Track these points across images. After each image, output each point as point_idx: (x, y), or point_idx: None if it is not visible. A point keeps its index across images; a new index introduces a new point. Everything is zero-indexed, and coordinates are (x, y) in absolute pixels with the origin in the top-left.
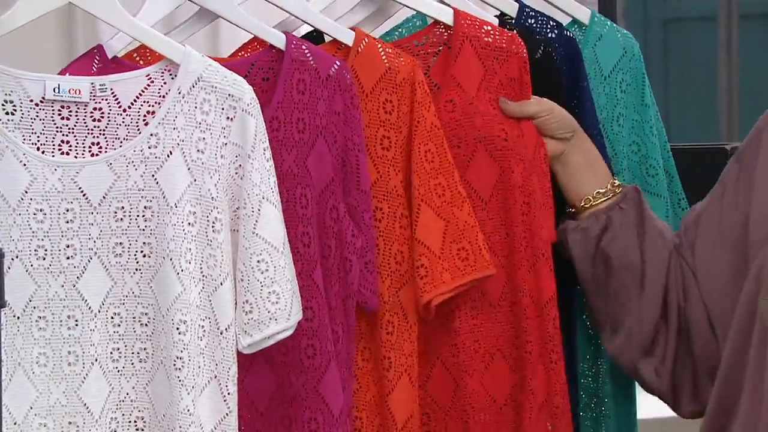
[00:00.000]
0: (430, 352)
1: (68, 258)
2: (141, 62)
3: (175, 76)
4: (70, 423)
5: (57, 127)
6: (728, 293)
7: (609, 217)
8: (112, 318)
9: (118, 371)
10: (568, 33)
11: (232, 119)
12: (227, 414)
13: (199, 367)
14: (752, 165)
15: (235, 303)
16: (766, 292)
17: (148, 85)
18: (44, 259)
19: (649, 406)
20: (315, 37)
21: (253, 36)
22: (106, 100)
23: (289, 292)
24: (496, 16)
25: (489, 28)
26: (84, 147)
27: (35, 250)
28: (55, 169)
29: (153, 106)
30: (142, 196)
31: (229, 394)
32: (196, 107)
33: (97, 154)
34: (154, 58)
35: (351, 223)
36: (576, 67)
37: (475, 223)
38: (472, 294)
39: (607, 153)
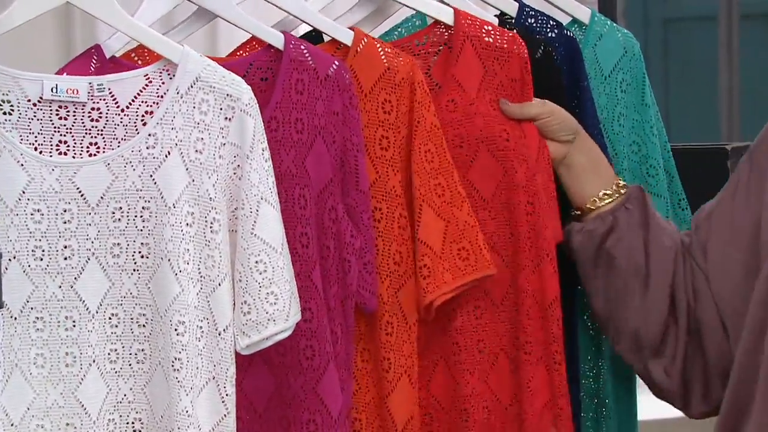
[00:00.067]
0: (433, 353)
1: (66, 259)
2: (139, 62)
3: (174, 76)
4: (67, 424)
5: (55, 127)
6: (740, 293)
7: (615, 218)
8: (109, 319)
9: (116, 372)
10: (569, 33)
11: (230, 119)
12: (225, 415)
13: (197, 368)
14: (764, 165)
15: (234, 304)
16: None
17: (147, 85)
18: (42, 259)
19: (649, 407)
20: (314, 36)
21: (251, 35)
22: (104, 100)
23: (287, 293)
24: (495, 15)
25: (489, 28)
26: (82, 147)
27: (33, 251)
28: (53, 170)
29: (151, 106)
30: (140, 197)
31: (227, 395)
32: (194, 107)
33: (95, 155)
34: (152, 57)
35: (350, 224)
36: (576, 67)
37: (475, 222)
38: (474, 294)
39: (608, 153)
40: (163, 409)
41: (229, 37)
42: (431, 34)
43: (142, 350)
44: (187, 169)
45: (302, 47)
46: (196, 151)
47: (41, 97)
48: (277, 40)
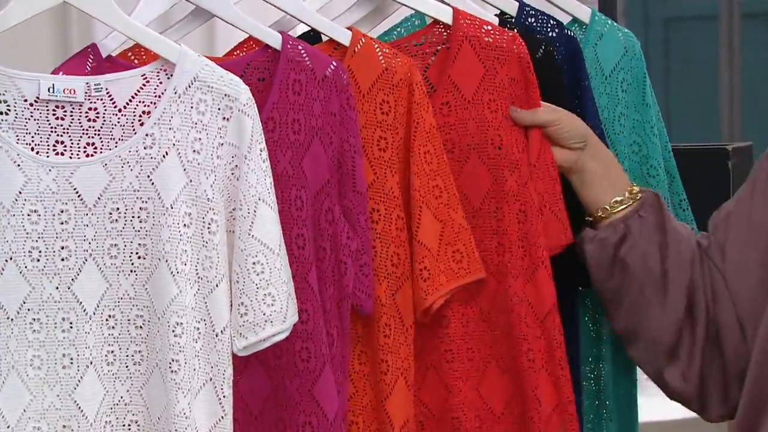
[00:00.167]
0: (423, 359)
1: (63, 260)
2: (136, 61)
3: (171, 75)
4: (64, 427)
5: (51, 127)
6: (758, 293)
7: (627, 226)
8: (107, 320)
9: (113, 374)
10: (569, 32)
11: (228, 119)
12: (222, 417)
13: (195, 369)
14: None
15: (231, 305)
16: None
17: (144, 85)
18: (38, 260)
19: (650, 409)
20: (312, 36)
21: (248, 35)
22: (102, 100)
23: (284, 294)
24: (495, 15)
25: (489, 27)
26: (79, 147)
27: (29, 252)
28: (50, 170)
29: (148, 106)
30: (137, 197)
31: (224, 396)
32: (192, 107)
33: (92, 155)
34: (149, 57)
35: (346, 226)
36: (577, 67)
37: (468, 225)
38: (463, 301)
39: None
40: (160, 411)
41: (226, 37)
42: (430, 34)
43: (139, 352)
44: (184, 170)
45: (300, 47)
46: (194, 151)
47: (38, 97)
48: (275, 41)
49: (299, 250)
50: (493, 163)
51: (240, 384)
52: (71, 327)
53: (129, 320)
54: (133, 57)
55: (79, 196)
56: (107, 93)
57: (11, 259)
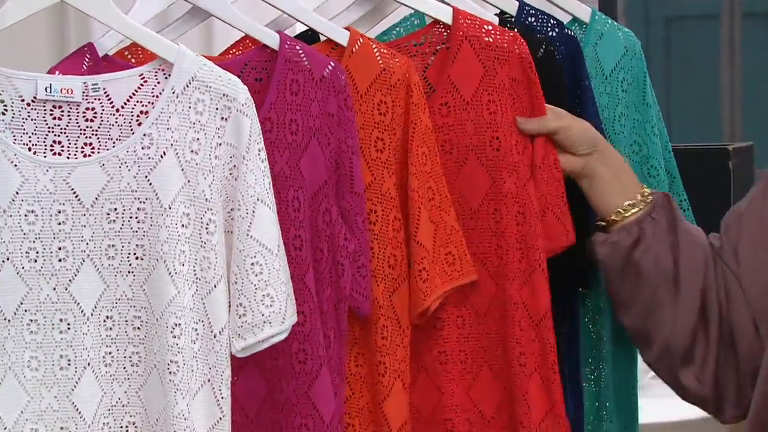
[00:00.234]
0: (416, 361)
1: (60, 260)
2: (133, 60)
3: (169, 75)
4: (62, 428)
5: (49, 128)
6: None
7: (641, 229)
8: (104, 321)
9: (111, 376)
10: (569, 32)
11: (226, 119)
12: (221, 418)
13: (193, 370)
14: None
15: (229, 306)
16: None
17: (142, 85)
18: (36, 261)
19: (651, 410)
20: (310, 35)
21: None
22: (99, 99)
23: (283, 295)
24: (495, 14)
25: (489, 27)
26: (76, 147)
27: (26, 252)
28: (47, 170)
29: (146, 106)
30: (135, 198)
31: (222, 398)
32: (190, 107)
33: (89, 155)
34: (146, 55)
35: (344, 227)
36: (577, 66)
37: (460, 228)
38: (458, 303)
39: None
40: (158, 413)
41: (224, 36)
42: (429, 33)
43: (137, 353)
44: (182, 170)
45: (297, 47)
46: (192, 151)
47: (35, 97)
48: (272, 40)
49: (296, 251)
50: (491, 164)
51: (236, 386)
52: (69, 328)
53: (127, 321)
54: (130, 56)
55: (76, 196)
56: (105, 93)
57: (8, 259)
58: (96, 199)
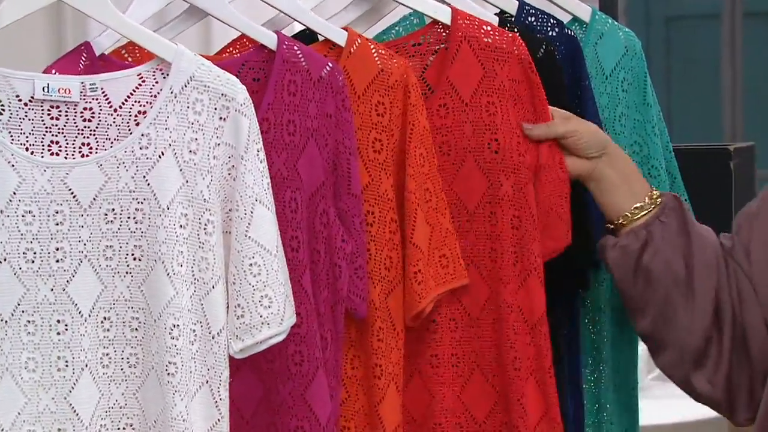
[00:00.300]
0: (409, 364)
1: (58, 261)
2: (129, 59)
3: (167, 75)
4: (59, 430)
5: (46, 127)
6: None
7: (649, 232)
8: (102, 322)
9: (108, 377)
10: (569, 31)
11: (225, 119)
12: (219, 420)
13: (191, 372)
14: None
15: (227, 307)
16: None
17: (140, 85)
18: (33, 262)
19: (651, 413)
20: (308, 35)
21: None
22: (97, 99)
23: (281, 296)
24: (495, 14)
25: (489, 28)
26: (74, 147)
27: (24, 253)
28: (45, 170)
29: (144, 105)
30: (133, 198)
31: (220, 399)
32: (188, 107)
33: (87, 155)
34: (142, 54)
35: (341, 228)
36: (577, 66)
37: (454, 230)
38: (451, 306)
39: None
40: (156, 415)
41: (223, 35)
42: (428, 33)
43: (135, 354)
44: (180, 170)
45: (295, 48)
46: (190, 151)
47: (32, 97)
48: (270, 41)
49: (293, 252)
50: (488, 167)
51: (232, 387)
52: (66, 329)
53: (124, 322)
54: (126, 54)
55: (74, 196)
56: (102, 92)
57: (5, 260)
58: (94, 199)
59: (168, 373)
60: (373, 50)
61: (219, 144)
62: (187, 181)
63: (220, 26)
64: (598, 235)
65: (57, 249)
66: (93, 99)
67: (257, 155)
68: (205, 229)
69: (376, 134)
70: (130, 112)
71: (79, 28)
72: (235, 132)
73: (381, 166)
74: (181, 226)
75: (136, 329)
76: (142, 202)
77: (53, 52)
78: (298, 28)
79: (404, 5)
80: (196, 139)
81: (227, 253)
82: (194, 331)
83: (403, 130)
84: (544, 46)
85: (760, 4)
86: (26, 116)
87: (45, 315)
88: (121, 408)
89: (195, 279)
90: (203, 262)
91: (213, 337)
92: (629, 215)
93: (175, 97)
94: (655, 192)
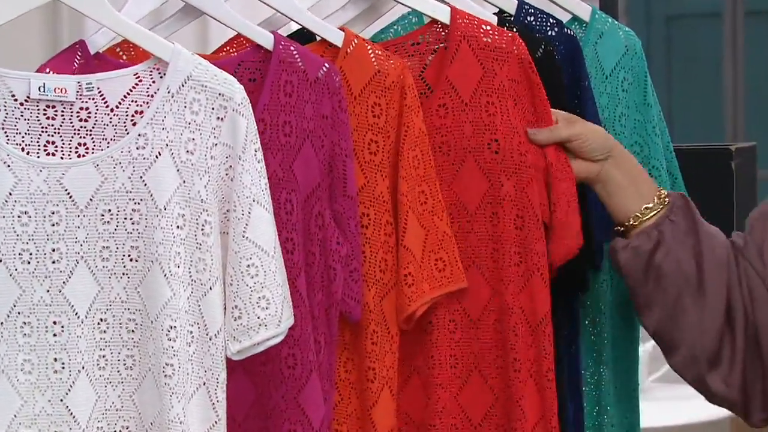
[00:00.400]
0: (407, 365)
1: (54, 262)
2: (124, 57)
3: (164, 74)
4: None
5: (42, 127)
6: None
7: (660, 232)
8: (98, 324)
9: (105, 379)
10: (569, 31)
11: (222, 119)
12: (216, 422)
13: (188, 374)
14: None
15: (225, 308)
16: None
17: (136, 84)
18: (29, 263)
19: (652, 415)
20: (305, 34)
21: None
22: (93, 99)
23: (279, 298)
24: (494, 13)
25: (488, 27)
26: (70, 148)
27: (19, 254)
28: (41, 171)
29: (141, 105)
30: (130, 199)
31: (218, 401)
32: (185, 107)
33: (83, 155)
34: (137, 52)
35: (336, 231)
36: (577, 66)
37: (452, 234)
38: (451, 307)
39: None
40: (153, 417)
41: (220, 34)
42: (427, 33)
43: (131, 356)
44: (178, 170)
45: (292, 48)
46: (188, 151)
47: (28, 96)
48: (267, 41)
49: (288, 254)
50: (489, 167)
51: None
52: (63, 331)
53: (121, 324)
54: (121, 53)
55: (70, 197)
56: (99, 92)
57: (1, 261)
58: (90, 200)
59: (165, 375)
60: (370, 51)
61: (216, 144)
62: (184, 182)
63: (218, 24)
64: (598, 236)
65: (53, 250)
66: (89, 99)
67: (255, 155)
68: (202, 229)
69: (372, 136)
70: (126, 111)
71: (75, 27)
72: (232, 132)
73: (377, 168)
74: (178, 226)
75: (133, 331)
76: (138, 203)
77: (49, 51)
78: (295, 27)
79: (403, 4)
80: (194, 139)
81: (225, 254)
82: (191, 332)
83: (398, 132)
84: (543, 46)
85: (762, 3)
86: (22, 116)
87: (41, 316)
88: (117, 410)
89: (192, 280)
90: (200, 263)
91: (210, 339)
92: (639, 216)
93: (172, 96)
94: (662, 192)
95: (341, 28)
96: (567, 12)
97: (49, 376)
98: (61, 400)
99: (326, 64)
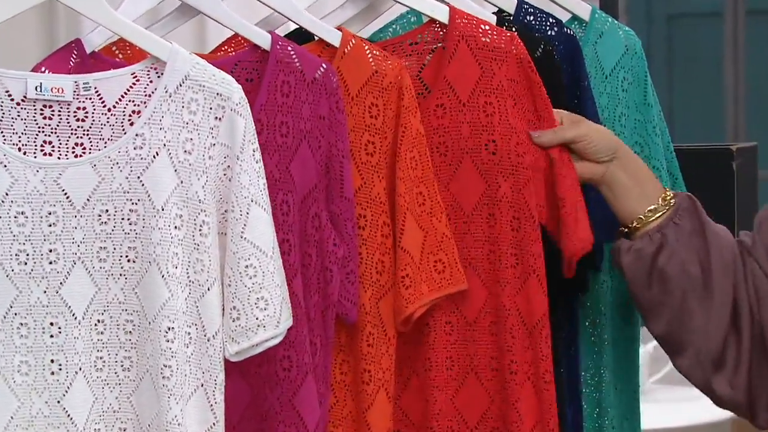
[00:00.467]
0: (406, 367)
1: (51, 263)
2: (120, 55)
3: (162, 74)
4: None
5: (39, 127)
6: None
7: (663, 234)
8: (95, 325)
9: (103, 381)
10: (569, 30)
11: (220, 119)
12: (214, 424)
13: (186, 375)
14: None
15: (223, 309)
16: None
17: (134, 84)
18: (26, 263)
19: (653, 417)
20: (304, 33)
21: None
22: (90, 99)
23: (278, 298)
24: (493, 12)
25: (487, 27)
26: (67, 148)
27: (16, 255)
28: (37, 171)
29: (138, 105)
30: (127, 199)
31: (216, 402)
32: (183, 107)
33: (80, 155)
34: (133, 51)
35: (333, 232)
36: (576, 66)
37: (452, 235)
38: (447, 309)
39: None
40: (150, 419)
41: (218, 33)
42: (426, 32)
43: (129, 358)
44: (175, 171)
45: (289, 48)
46: (185, 151)
47: (25, 96)
48: (264, 41)
49: (284, 256)
50: (486, 168)
51: None
52: (60, 332)
53: (118, 325)
54: (117, 51)
55: (67, 197)
56: (96, 92)
57: None
58: (87, 200)
59: (163, 377)
60: (368, 51)
61: (214, 144)
62: (182, 182)
63: (216, 23)
64: (597, 237)
65: (50, 251)
66: (86, 98)
67: (253, 155)
68: (200, 230)
69: (369, 136)
70: (124, 111)
71: (72, 27)
72: (230, 132)
73: (373, 169)
74: (176, 227)
75: (131, 332)
76: (136, 203)
77: (45, 50)
78: (293, 26)
79: (401, 3)
80: (191, 139)
81: (223, 255)
82: (189, 333)
83: (396, 133)
84: (542, 46)
85: (763, 2)
86: (18, 116)
87: (38, 317)
88: (114, 412)
89: (190, 281)
90: (198, 264)
91: (208, 340)
92: (643, 218)
93: (170, 96)
94: (668, 193)
95: (339, 28)
96: (567, 11)
97: (46, 377)
98: (58, 402)
99: (324, 65)
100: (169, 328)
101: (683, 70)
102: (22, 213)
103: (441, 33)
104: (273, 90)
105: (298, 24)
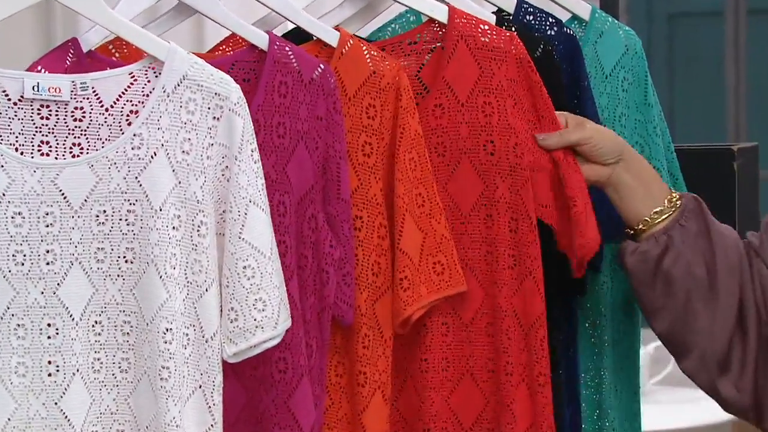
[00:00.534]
0: (402, 368)
1: (48, 264)
2: (117, 54)
3: (160, 74)
4: None
5: (36, 127)
6: None
7: (669, 236)
8: (93, 326)
9: (100, 382)
10: (568, 30)
11: (218, 119)
12: (212, 425)
13: (184, 377)
14: None
15: (221, 310)
16: None
17: (132, 84)
18: (23, 264)
19: (653, 418)
20: (302, 32)
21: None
22: (88, 99)
23: (276, 299)
24: (493, 12)
25: (486, 27)
26: (65, 148)
27: (13, 255)
28: (35, 171)
29: (136, 105)
30: (125, 199)
31: (214, 404)
32: (181, 106)
33: (78, 155)
34: (130, 50)
35: (329, 234)
36: (576, 66)
37: (451, 237)
38: (444, 310)
39: None
40: (148, 420)
41: (216, 32)
42: (425, 32)
43: (126, 359)
44: (173, 171)
45: (287, 48)
46: (183, 151)
47: (22, 96)
48: (261, 41)
49: (281, 257)
50: (484, 168)
51: None
52: (57, 333)
53: (116, 326)
54: (114, 50)
55: (64, 198)
56: (94, 92)
57: None
58: (85, 200)
59: (161, 378)
60: (366, 51)
61: (212, 144)
62: (180, 182)
63: (214, 24)
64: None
65: (47, 251)
66: (84, 98)
67: (251, 156)
68: (198, 230)
69: (366, 137)
70: (121, 111)
71: (69, 25)
72: (228, 132)
73: (370, 170)
74: (173, 227)
75: (128, 333)
76: (134, 204)
77: (42, 50)
78: (291, 26)
79: (401, 3)
80: (189, 139)
81: (221, 256)
82: (187, 334)
83: (393, 134)
84: (542, 46)
85: (764, 1)
86: (16, 116)
87: (35, 318)
88: (112, 414)
89: (188, 282)
90: (196, 265)
91: (206, 341)
92: (648, 220)
93: (168, 96)
94: (674, 194)
95: (337, 28)
96: (567, 11)
97: (43, 379)
98: (56, 404)
99: (321, 65)
100: (167, 329)
101: (684, 70)
102: (19, 213)
103: (440, 33)
104: (270, 90)
105: (295, 24)
